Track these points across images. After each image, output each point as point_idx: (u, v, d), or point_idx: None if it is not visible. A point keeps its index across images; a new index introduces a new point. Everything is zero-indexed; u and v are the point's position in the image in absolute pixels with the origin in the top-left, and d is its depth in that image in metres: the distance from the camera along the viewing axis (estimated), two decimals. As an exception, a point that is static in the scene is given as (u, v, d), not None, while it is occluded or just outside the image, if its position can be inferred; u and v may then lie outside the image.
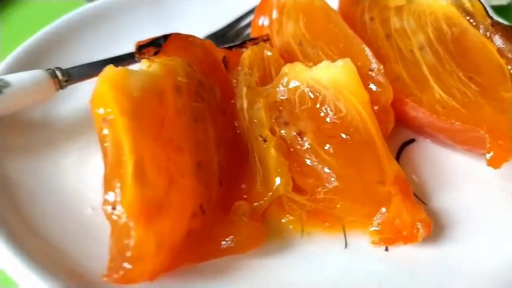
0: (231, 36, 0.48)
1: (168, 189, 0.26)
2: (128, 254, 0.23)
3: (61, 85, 0.34)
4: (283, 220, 0.31)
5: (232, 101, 0.36)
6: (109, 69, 0.29)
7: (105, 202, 0.25)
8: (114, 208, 0.25)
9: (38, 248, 0.28)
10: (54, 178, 0.33)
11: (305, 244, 0.31)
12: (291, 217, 0.31)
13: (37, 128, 0.35)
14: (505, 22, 0.47)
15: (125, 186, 0.25)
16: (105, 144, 0.27)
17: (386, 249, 0.31)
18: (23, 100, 0.33)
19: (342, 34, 0.37)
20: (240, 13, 0.49)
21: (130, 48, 0.40)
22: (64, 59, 0.41)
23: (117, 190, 0.25)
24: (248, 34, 0.47)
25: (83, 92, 0.37)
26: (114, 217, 0.24)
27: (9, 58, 0.38)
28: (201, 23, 0.48)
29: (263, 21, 0.44)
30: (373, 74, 0.34)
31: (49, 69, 0.34)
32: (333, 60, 0.34)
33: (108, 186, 0.25)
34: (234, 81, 0.37)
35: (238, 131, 0.34)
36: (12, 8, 0.58)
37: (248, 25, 0.48)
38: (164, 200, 0.26)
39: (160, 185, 0.26)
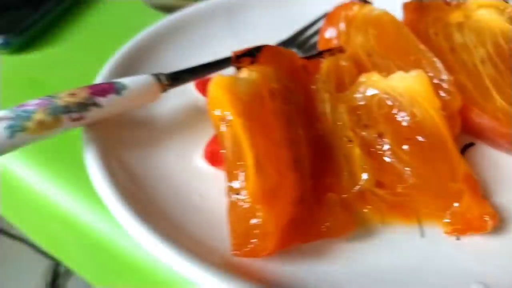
0: (297, 45, 0.52)
1: (279, 178, 0.31)
2: (256, 231, 0.28)
3: (164, 89, 0.39)
4: (365, 211, 0.36)
5: (311, 105, 0.40)
6: (220, 76, 0.33)
7: (230, 189, 0.30)
8: (238, 194, 0.29)
9: (160, 220, 0.32)
10: (163, 168, 0.37)
11: (386, 232, 0.35)
12: (372, 208, 0.36)
13: (142, 127, 0.40)
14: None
15: (248, 175, 0.29)
16: (224, 141, 0.31)
17: (458, 239, 0.35)
18: (136, 101, 0.37)
19: (413, 47, 0.41)
20: (304, 24, 0.54)
21: (208, 56, 0.45)
22: (151, 66, 0.47)
23: (241, 178, 0.29)
24: (314, 43, 0.51)
25: (176, 97, 0.43)
26: (239, 202, 0.29)
27: (109, 65, 0.43)
28: (267, 33, 0.53)
29: (331, 33, 0.48)
30: (443, 84, 0.39)
31: (154, 73, 0.39)
32: (405, 71, 0.39)
33: (231, 176, 0.30)
34: (313, 87, 0.41)
35: (319, 133, 0.39)
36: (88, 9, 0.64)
37: (314, 34, 0.52)
38: (278, 187, 0.30)
39: (273, 176, 0.30)
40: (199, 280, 0.27)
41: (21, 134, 0.32)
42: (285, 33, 0.53)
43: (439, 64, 0.39)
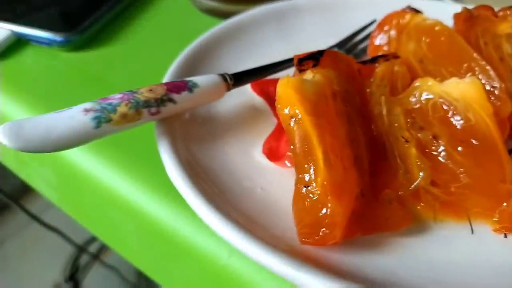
0: (346, 50, 0.54)
1: (344, 173, 0.33)
2: (326, 221, 0.30)
3: (229, 88, 0.42)
4: (418, 207, 0.38)
5: (367, 108, 0.42)
6: (286, 78, 0.36)
7: (300, 181, 0.32)
8: (307, 186, 0.32)
9: (230, 210, 0.35)
10: (226, 162, 0.40)
11: (438, 229, 0.37)
12: (425, 206, 0.38)
13: (208, 122, 0.43)
14: None
15: (318, 169, 0.32)
16: (293, 137, 0.34)
17: (505, 236, 0.36)
18: (206, 98, 0.40)
19: (466, 55, 0.43)
20: (354, 29, 0.56)
21: (261, 59, 0.48)
22: (210, 67, 0.49)
23: (311, 172, 0.32)
24: (362, 49, 0.54)
25: (236, 95, 0.45)
26: (310, 194, 0.32)
27: (176, 64, 0.46)
28: (319, 38, 0.56)
29: (381, 39, 0.50)
30: (495, 91, 0.40)
31: (220, 73, 0.42)
32: (459, 77, 0.41)
33: (300, 169, 0.33)
34: (368, 90, 0.43)
35: (374, 134, 0.41)
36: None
37: (362, 40, 0.55)
38: (344, 181, 0.32)
39: (339, 170, 0.33)
40: (273, 267, 0.30)
41: (106, 125, 0.35)
42: (332, 38, 0.56)
43: (492, 72, 0.41)
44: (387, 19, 0.50)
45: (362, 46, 0.54)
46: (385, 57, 0.45)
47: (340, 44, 0.55)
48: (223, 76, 0.42)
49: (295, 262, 0.30)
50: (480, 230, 0.37)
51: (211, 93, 0.41)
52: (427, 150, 0.39)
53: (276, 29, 0.56)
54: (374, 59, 0.45)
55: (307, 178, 0.32)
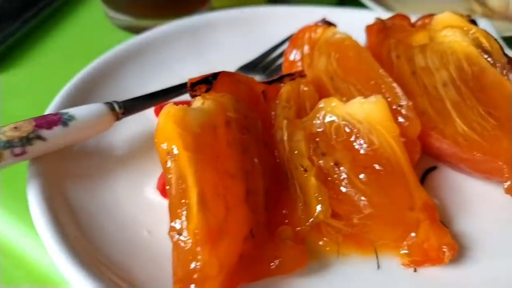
0: (262, 67, 0.51)
1: (226, 215, 0.30)
2: (195, 276, 0.27)
3: (118, 117, 0.38)
4: (320, 243, 0.35)
5: (271, 133, 0.39)
6: (171, 107, 0.32)
7: (172, 229, 0.29)
8: (180, 234, 0.28)
9: (98, 265, 0.31)
10: (111, 202, 0.36)
11: (341, 264, 0.34)
12: (327, 240, 0.35)
13: (93, 157, 0.39)
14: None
15: (191, 214, 0.28)
16: (169, 176, 0.30)
17: (415, 270, 0.34)
18: (86, 132, 0.36)
19: (373, 72, 0.41)
20: (270, 45, 0.53)
21: (171, 79, 0.44)
22: (111, 92, 0.45)
23: (183, 218, 0.28)
24: (279, 65, 0.51)
25: (134, 123, 0.41)
26: (181, 243, 0.28)
27: (63, 92, 0.42)
28: (234, 54, 0.52)
29: (295, 55, 0.48)
30: (402, 110, 0.38)
31: (108, 102, 0.38)
32: (365, 96, 0.38)
33: (174, 214, 0.29)
34: (273, 113, 0.40)
35: (277, 161, 0.38)
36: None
37: (279, 56, 0.52)
38: (224, 225, 0.29)
39: (219, 213, 0.29)
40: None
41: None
42: (252, 55, 0.53)
43: (398, 89, 0.39)
44: (300, 34, 0.47)
45: (279, 62, 0.51)
46: (291, 76, 0.42)
47: (256, 62, 0.51)
48: (111, 104, 0.38)
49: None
50: (387, 264, 0.34)
51: (94, 125, 0.37)
52: (329, 178, 0.36)
53: (189, 46, 0.52)
54: (280, 79, 0.42)
55: (178, 226, 0.28)
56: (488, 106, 0.39)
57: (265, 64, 0.51)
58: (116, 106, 0.38)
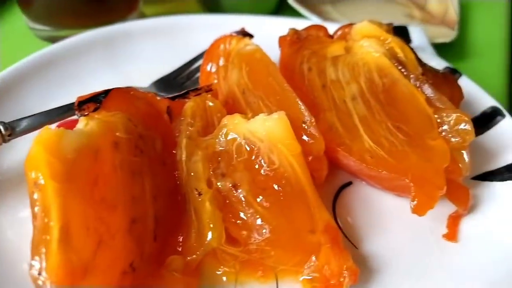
0: (181, 80, 0.49)
1: (95, 250, 0.27)
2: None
3: (4, 139, 0.35)
4: (217, 272, 0.33)
5: (173, 152, 0.37)
6: (45, 130, 0.30)
7: (31, 267, 0.26)
8: (40, 274, 0.26)
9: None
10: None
11: (239, 294, 0.32)
12: (225, 268, 0.33)
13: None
14: (444, 64, 0.50)
15: (50, 253, 0.26)
16: (35, 208, 0.28)
17: (316, 296, 0.32)
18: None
19: (279, 87, 0.39)
20: (191, 57, 0.51)
21: (82, 93, 0.41)
22: (11, 109, 0.42)
23: (42, 256, 0.26)
24: (198, 78, 0.48)
25: (25, 146, 0.38)
26: (40, 283, 0.25)
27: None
28: (153, 66, 0.50)
29: (211, 67, 0.45)
30: (306, 126, 0.36)
31: (-8, 123, 0.35)
32: (271, 111, 0.36)
33: (34, 251, 0.26)
34: (177, 131, 0.38)
35: (178, 182, 0.35)
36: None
37: (198, 69, 0.49)
38: (90, 262, 0.27)
39: (86, 248, 0.27)
40: None
41: None
42: (171, 67, 0.50)
43: (302, 105, 0.37)
44: (215, 45, 0.45)
45: (197, 75, 0.49)
46: (197, 90, 0.40)
47: (174, 74, 0.49)
48: (-5, 125, 0.35)
49: None
50: (289, 291, 0.32)
51: (-28, 150, 0.33)
52: (227, 201, 0.34)
53: (103, 57, 0.50)
54: (184, 94, 0.39)
55: (37, 264, 0.26)
56: (398, 120, 0.38)
57: (184, 77, 0.49)
58: (2, 128, 0.35)
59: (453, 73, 0.48)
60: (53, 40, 0.58)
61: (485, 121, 0.45)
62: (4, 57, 0.57)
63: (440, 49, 0.57)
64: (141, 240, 0.31)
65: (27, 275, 0.30)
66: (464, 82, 0.47)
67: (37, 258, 0.26)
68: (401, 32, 0.53)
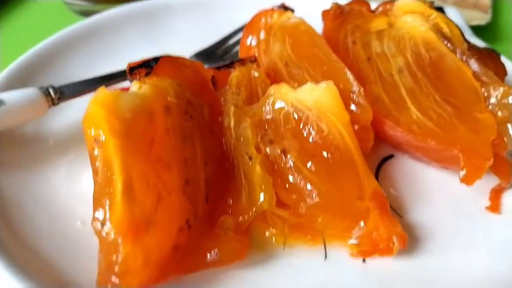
0: (220, 53, 0.49)
1: (156, 205, 0.28)
2: (116, 269, 0.25)
3: (53, 102, 0.36)
4: (266, 233, 0.33)
5: (220, 119, 0.37)
6: (101, 91, 0.30)
7: (95, 219, 0.27)
8: (103, 225, 0.26)
9: (28, 260, 0.29)
10: (45, 192, 0.34)
11: (287, 256, 0.32)
12: (274, 230, 0.33)
13: (29, 144, 0.37)
14: (482, 44, 0.50)
15: (114, 204, 0.26)
16: (96, 164, 0.28)
17: (364, 261, 0.32)
18: (17, 117, 0.34)
19: (325, 58, 0.39)
20: (229, 31, 0.51)
21: (122, 64, 0.42)
22: (57, 76, 0.43)
23: (107, 208, 0.26)
24: (237, 52, 0.49)
25: (74, 108, 0.39)
26: (103, 234, 0.26)
27: (2, 75, 0.40)
28: (191, 40, 0.50)
29: (251, 40, 0.46)
30: (354, 96, 0.36)
31: (42, 87, 0.36)
32: (317, 82, 0.36)
33: (97, 204, 0.27)
34: (222, 99, 0.38)
35: (225, 148, 0.36)
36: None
37: (237, 43, 0.50)
38: (152, 216, 0.27)
39: (148, 203, 0.27)
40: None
41: None
42: (209, 41, 0.50)
43: (350, 75, 0.37)
44: (256, 19, 0.45)
45: (236, 49, 0.49)
46: (241, 61, 0.40)
47: (213, 48, 0.49)
48: (46, 89, 0.35)
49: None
50: (335, 254, 0.33)
51: (26, 111, 0.34)
52: (276, 167, 0.34)
53: (143, 30, 0.50)
54: (230, 65, 0.40)
55: (101, 216, 0.26)
56: (446, 93, 0.38)
57: (222, 51, 0.49)
58: (52, 91, 0.36)
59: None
60: (86, 14, 0.58)
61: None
62: (39, 33, 0.57)
63: (474, 32, 0.56)
64: (194, 200, 0.31)
65: (81, 233, 0.32)
66: (504, 61, 0.47)
67: (100, 210, 0.26)
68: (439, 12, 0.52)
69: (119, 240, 0.25)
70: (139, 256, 0.25)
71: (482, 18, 0.62)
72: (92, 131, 0.29)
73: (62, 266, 0.29)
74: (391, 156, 0.40)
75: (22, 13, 0.61)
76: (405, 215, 0.36)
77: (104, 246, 0.26)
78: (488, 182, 0.38)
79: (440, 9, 0.56)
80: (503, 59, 0.48)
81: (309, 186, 0.33)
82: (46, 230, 0.31)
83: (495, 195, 0.38)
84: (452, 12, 0.55)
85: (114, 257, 0.25)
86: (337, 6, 0.44)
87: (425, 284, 0.31)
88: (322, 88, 0.35)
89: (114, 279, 0.25)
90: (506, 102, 0.36)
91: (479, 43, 0.51)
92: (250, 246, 0.32)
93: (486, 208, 0.37)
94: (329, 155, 0.34)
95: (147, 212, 0.27)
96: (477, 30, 0.59)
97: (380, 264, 0.32)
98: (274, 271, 0.31)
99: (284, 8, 0.45)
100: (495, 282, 0.32)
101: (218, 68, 0.40)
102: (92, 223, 0.26)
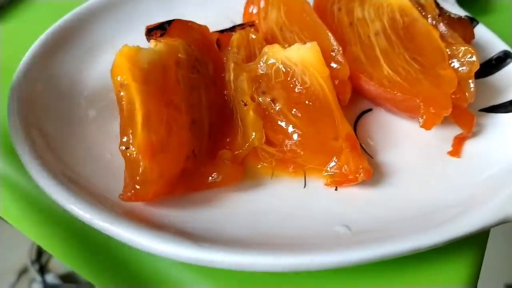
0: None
1: (168, 136, 0.35)
2: (137, 178, 0.33)
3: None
4: (258, 166, 0.41)
5: (222, 75, 0.45)
6: (125, 47, 0.38)
7: (121, 143, 0.34)
8: (127, 148, 0.34)
9: (69, 181, 0.37)
10: (80, 129, 0.42)
11: (274, 184, 0.40)
12: (263, 164, 0.41)
13: (67, 93, 0.45)
14: (464, 13, 0.55)
15: (136, 132, 0.34)
16: (122, 103, 0.36)
17: (336, 189, 0.40)
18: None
19: (312, 22, 0.45)
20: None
21: (141, 30, 0.49)
22: (89, 39, 0.51)
23: (130, 135, 0.34)
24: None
25: (101, 66, 0.47)
26: (128, 154, 0.34)
27: (43, 37, 0.47)
28: (202, 10, 0.57)
29: (252, 9, 0.52)
30: (334, 54, 0.43)
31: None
32: (304, 43, 0.43)
33: (123, 132, 0.35)
34: (225, 59, 0.46)
35: (226, 98, 0.43)
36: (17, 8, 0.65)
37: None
38: (165, 143, 0.35)
39: (162, 132, 0.35)
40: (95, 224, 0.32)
41: None
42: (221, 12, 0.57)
43: (331, 37, 0.43)
44: (256, -11, 0.52)
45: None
46: (242, 26, 0.47)
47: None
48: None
49: (116, 218, 0.32)
50: (313, 184, 0.40)
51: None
52: (267, 113, 0.41)
53: (157, 2, 0.57)
54: (232, 29, 0.47)
55: (126, 141, 0.34)
56: (415, 52, 0.44)
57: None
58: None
59: (470, 21, 0.53)
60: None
61: (496, 63, 0.50)
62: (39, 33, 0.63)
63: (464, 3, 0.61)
64: (199, 136, 0.39)
65: (111, 163, 0.40)
66: (481, 29, 0.53)
67: (125, 137, 0.34)
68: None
69: (140, 158, 0.33)
70: (155, 170, 0.33)
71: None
72: (118, 78, 0.36)
73: (96, 186, 0.37)
74: (369, 110, 0.47)
75: (22, 13, 0.65)
76: (375, 156, 0.43)
77: (128, 164, 0.34)
78: (453, 132, 0.44)
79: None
80: (481, 27, 0.53)
81: (292, 128, 0.40)
82: (82, 158, 0.39)
83: (458, 142, 0.44)
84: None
85: (136, 170, 0.33)
86: (327, -23, 0.50)
87: (386, 208, 0.39)
88: (307, 47, 0.42)
89: (136, 186, 0.33)
90: (466, 60, 0.43)
91: (461, 11, 0.56)
92: (244, 176, 0.40)
93: (448, 152, 0.44)
94: (310, 103, 0.41)
95: (161, 139, 0.35)
96: (465, 3, 0.64)
97: (349, 192, 0.40)
98: (263, 195, 0.39)
99: (281, -21, 0.51)
100: (448, 212, 0.38)
101: (222, 31, 0.47)
102: (119, 147, 0.34)
